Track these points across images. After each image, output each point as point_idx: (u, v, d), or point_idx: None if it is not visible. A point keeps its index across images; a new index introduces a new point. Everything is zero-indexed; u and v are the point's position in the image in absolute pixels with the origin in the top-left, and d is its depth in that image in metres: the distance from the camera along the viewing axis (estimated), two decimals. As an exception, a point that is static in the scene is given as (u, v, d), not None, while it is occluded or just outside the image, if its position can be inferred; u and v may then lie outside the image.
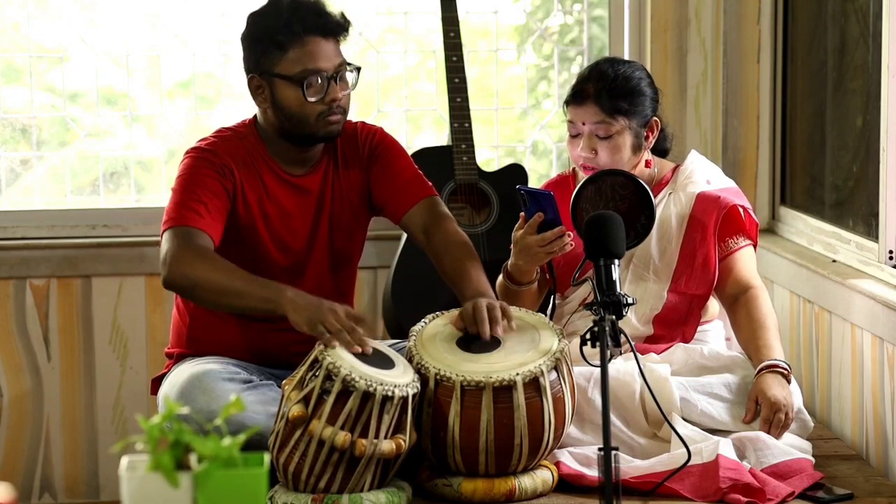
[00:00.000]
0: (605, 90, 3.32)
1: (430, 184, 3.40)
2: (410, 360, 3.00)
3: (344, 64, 3.24)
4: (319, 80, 3.20)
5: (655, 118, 3.40)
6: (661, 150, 3.51)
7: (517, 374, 2.92)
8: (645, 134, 3.39)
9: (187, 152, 3.30)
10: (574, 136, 3.37)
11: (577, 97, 3.35)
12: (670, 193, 3.44)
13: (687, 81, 4.40)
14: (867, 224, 3.66)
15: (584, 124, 3.34)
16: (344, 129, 3.32)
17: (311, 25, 3.20)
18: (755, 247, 3.48)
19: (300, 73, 3.20)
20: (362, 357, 2.90)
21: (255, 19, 3.27)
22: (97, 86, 4.47)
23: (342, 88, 3.24)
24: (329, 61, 3.21)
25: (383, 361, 2.94)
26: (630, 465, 3.06)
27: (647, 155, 3.43)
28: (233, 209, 3.25)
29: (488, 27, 4.62)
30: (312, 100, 3.20)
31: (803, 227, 4.13)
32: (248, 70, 3.28)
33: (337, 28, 3.24)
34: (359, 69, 3.27)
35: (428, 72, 4.67)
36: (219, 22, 4.48)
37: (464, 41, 4.19)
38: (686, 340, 3.40)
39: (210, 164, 3.24)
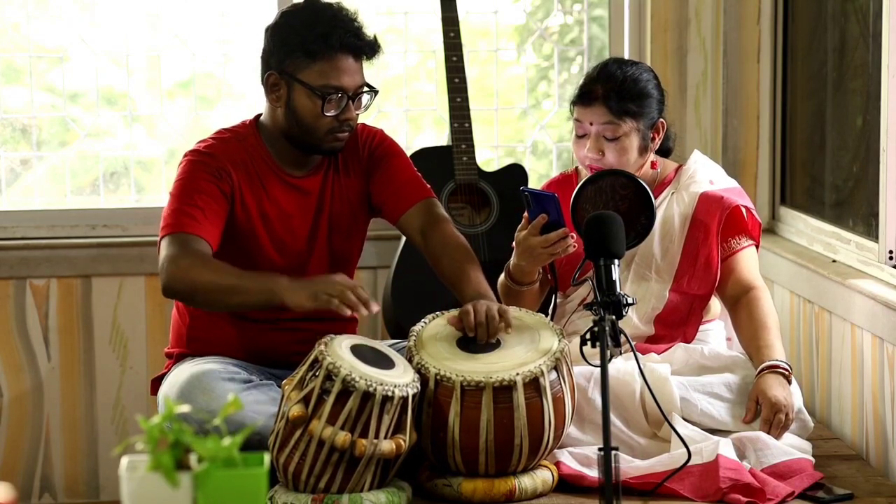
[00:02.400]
0: (614, 92, 3.31)
1: (429, 186, 3.40)
2: (410, 360, 3.00)
3: (364, 85, 3.25)
4: (339, 97, 3.20)
5: (661, 120, 3.40)
6: (664, 150, 3.51)
7: (517, 374, 2.92)
8: (651, 135, 3.39)
9: (185, 155, 3.30)
10: (580, 137, 3.36)
11: (585, 98, 3.34)
12: (673, 193, 3.44)
13: (687, 81, 4.40)
14: (867, 224, 3.66)
15: (591, 125, 3.34)
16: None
17: (346, 44, 3.19)
18: (758, 247, 3.47)
19: (322, 87, 3.19)
20: (362, 357, 2.90)
21: (289, 19, 3.25)
22: (97, 86, 4.47)
23: (356, 108, 3.25)
24: (352, 81, 3.21)
25: (383, 361, 2.94)
26: (630, 465, 3.06)
27: (652, 156, 3.43)
28: (231, 211, 3.25)
29: (488, 27, 4.62)
30: (328, 115, 3.20)
31: (803, 227, 4.13)
32: (267, 65, 3.25)
33: (369, 51, 3.24)
34: (376, 92, 3.27)
35: (428, 72, 4.67)
36: (219, 22, 4.48)
37: (464, 41, 4.19)
38: (687, 340, 3.40)
39: (207, 168, 3.24)
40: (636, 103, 3.33)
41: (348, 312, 2.90)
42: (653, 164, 3.44)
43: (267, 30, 3.28)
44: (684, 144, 4.28)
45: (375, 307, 2.95)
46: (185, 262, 3.09)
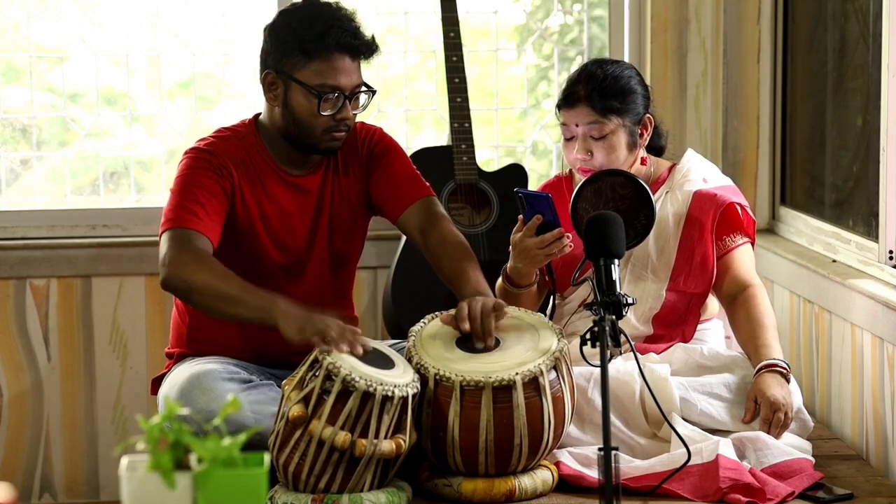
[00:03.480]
0: (596, 91, 3.32)
1: (428, 184, 3.40)
2: (410, 360, 3.00)
3: (361, 85, 3.25)
4: (335, 97, 3.20)
5: (648, 115, 3.41)
6: (656, 149, 3.52)
7: (517, 373, 2.92)
8: (639, 131, 3.39)
9: (186, 153, 3.30)
10: (569, 140, 3.37)
11: (568, 100, 3.36)
12: (667, 192, 3.44)
13: (687, 81, 4.40)
14: (867, 224, 3.66)
15: (577, 126, 3.34)
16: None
17: (343, 43, 3.19)
18: (753, 244, 3.48)
19: (319, 87, 3.19)
20: (362, 357, 2.90)
21: (287, 18, 3.25)
22: (97, 86, 4.47)
23: (354, 108, 3.25)
24: (349, 80, 3.21)
25: (383, 361, 2.94)
26: (630, 465, 3.06)
27: (642, 152, 3.43)
28: (231, 209, 3.25)
29: (488, 27, 4.62)
30: (325, 114, 3.20)
31: (803, 227, 4.13)
32: (265, 64, 3.26)
33: (367, 51, 3.23)
34: (374, 92, 3.27)
35: (428, 72, 4.67)
36: (219, 22, 4.48)
37: (464, 41, 4.19)
38: (686, 340, 3.40)
39: (208, 165, 3.24)
40: (619, 100, 3.33)
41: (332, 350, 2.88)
42: (643, 161, 3.44)
43: (265, 29, 3.28)
44: (684, 144, 4.28)
45: (359, 350, 2.93)
46: (186, 259, 3.09)
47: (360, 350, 2.90)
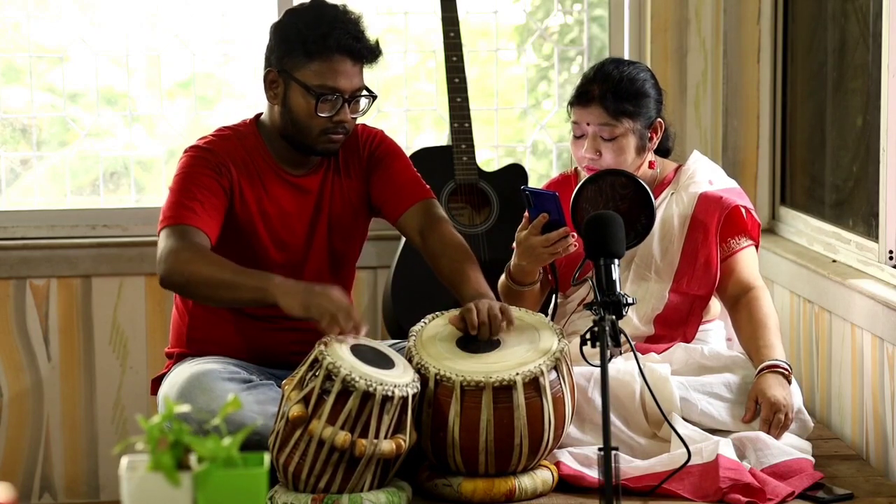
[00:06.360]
0: (611, 92, 3.31)
1: (428, 187, 3.41)
2: (410, 360, 3.00)
3: (362, 89, 3.25)
4: (334, 99, 3.20)
5: (659, 119, 3.40)
6: (663, 150, 3.51)
7: (517, 373, 2.92)
8: (649, 135, 3.38)
9: (185, 151, 3.31)
10: (578, 137, 3.37)
11: (581, 98, 3.34)
12: (672, 193, 3.44)
13: (687, 81, 4.40)
14: (867, 224, 3.66)
15: (588, 125, 3.34)
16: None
17: (344, 46, 3.19)
18: (757, 247, 3.47)
19: (318, 87, 3.19)
20: (362, 357, 2.90)
21: (292, 17, 3.26)
22: (97, 86, 4.47)
23: (353, 111, 3.24)
24: (349, 83, 3.21)
25: (383, 361, 2.94)
26: (630, 465, 3.06)
27: (650, 156, 3.43)
28: (231, 208, 3.26)
29: (488, 27, 4.62)
30: (322, 115, 3.20)
31: (803, 227, 4.13)
32: (268, 62, 3.26)
33: (368, 55, 3.23)
34: (375, 97, 3.27)
35: (428, 72, 4.67)
36: (219, 22, 4.48)
37: (464, 41, 4.19)
38: (687, 340, 3.40)
39: (207, 163, 3.24)
40: (633, 103, 3.33)
41: (333, 341, 2.88)
42: (651, 164, 3.43)
43: (271, 27, 3.29)
44: (684, 144, 4.28)
45: (363, 330, 2.94)
46: (185, 254, 3.10)
47: (353, 335, 2.90)
